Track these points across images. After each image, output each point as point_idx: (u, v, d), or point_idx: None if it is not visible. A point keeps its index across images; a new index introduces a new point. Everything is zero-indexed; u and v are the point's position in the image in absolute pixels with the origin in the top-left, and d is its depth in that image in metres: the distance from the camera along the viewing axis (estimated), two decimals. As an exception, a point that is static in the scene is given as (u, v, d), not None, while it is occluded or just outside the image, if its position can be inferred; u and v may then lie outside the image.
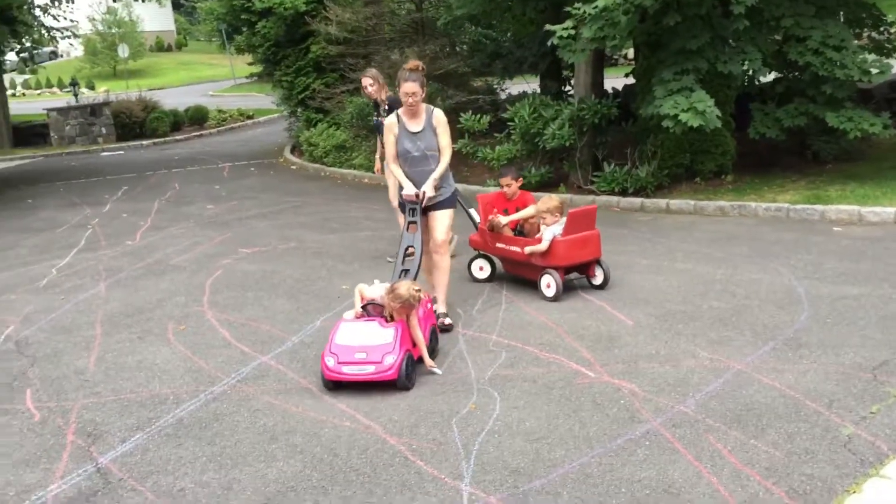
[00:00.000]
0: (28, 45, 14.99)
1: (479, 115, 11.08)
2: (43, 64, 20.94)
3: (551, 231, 6.35)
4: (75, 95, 21.74)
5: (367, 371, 4.82)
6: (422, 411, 4.55)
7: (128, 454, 4.26)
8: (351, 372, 4.82)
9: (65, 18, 17.35)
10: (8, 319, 6.67)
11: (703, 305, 6.01)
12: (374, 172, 8.15)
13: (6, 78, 21.04)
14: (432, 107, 5.89)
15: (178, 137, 21.18)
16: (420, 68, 5.74)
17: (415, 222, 5.76)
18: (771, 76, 10.88)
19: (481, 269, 7.07)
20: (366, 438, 4.27)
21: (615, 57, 24.08)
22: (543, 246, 6.29)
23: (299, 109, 15.95)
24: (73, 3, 19.28)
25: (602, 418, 4.33)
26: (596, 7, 8.18)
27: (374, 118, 7.97)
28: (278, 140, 18.47)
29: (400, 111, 5.84)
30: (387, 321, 5.05)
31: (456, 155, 12.09)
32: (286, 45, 15.45)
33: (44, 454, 4.32)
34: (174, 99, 22.01)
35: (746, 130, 10.00)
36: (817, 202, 8.66)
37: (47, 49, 19.65)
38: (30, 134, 20.81)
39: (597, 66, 10.86)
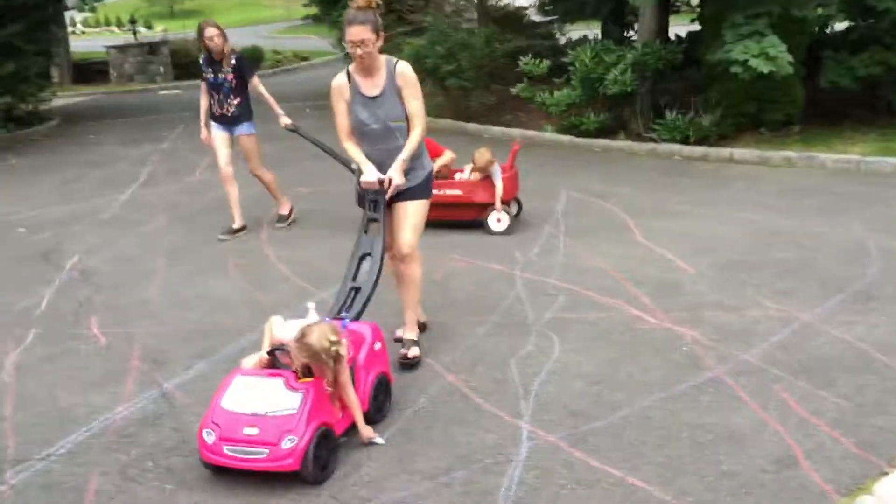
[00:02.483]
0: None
1: (538, 60, 10.86)
2: (102, 2, 21.04)
3: (498, 173, 6.78)
4: (134, 34, 21.89)
5: (256, 456, 3.28)
6: (479, 351, 4.55)
7: (191, 381, 4.34)
8: (234, 455, 3.29)
9: (125, -45, 17.45)
10: (73, 249, 6.81)
11: (769, 256, 5.87)
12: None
13: (66, 16, 21.20)
14: (395, 59, 4.29)
15: (233, 78, 21.22)
16: (374, 3, 4.12)
17: (376, 220, 4.29)
18: (842, 25, 10.45)
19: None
20: (426, 375, 4.29)
21: (677, 4, 23.37)
22: (500, 185, 6.71)
23: (355, 51, 15.83)
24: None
25: (663, 364, 4.27)
26: (667, -54, 7.88)
27: (211, 76, 6.79)
28: (333, 82, 18.40)
29: (350, 68, 4.29)
30: (297, 378, 3.45)
31: (513, 100, 12.07)
32: (343, -16, 15.29)
33: (110, 377, 4.43)
34: (230, 39, 22.02)
35: (815, 80, 9.64)
36: (890, 155, 8.35)
37: (107, -13, 19.78)
38: (90, 71, 21.04)
39: (662, 10, 10.53)
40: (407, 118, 4.28)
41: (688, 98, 9.97)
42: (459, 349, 4.57)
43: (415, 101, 4.28)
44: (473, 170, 6.85)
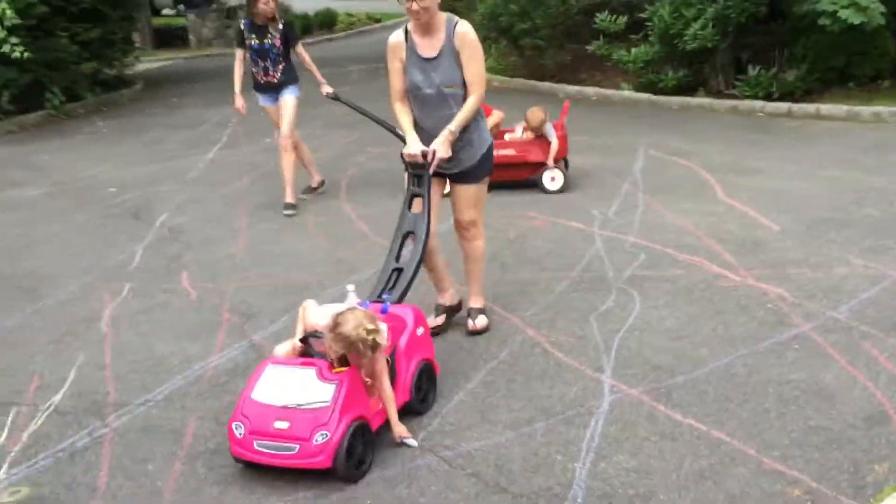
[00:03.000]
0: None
1: (614, 16, 10.65)
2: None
3: (552, 131, 6.70)
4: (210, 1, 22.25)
5: (286, 452, 3.09)
6: (559, 307, 4.56)
7: (277, 333, 4.48)
8: (264, 450, 3.11)
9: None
10: (161, 208, 7.05)
11: (857, 213, 5.70)
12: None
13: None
14: (456, 18, 3.97)
15: (307, 41, 21.28)
16: None
17: (420, 195, 3.96)
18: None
19: None
20: (506, 329, 4.33)
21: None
22: (556, 143, 6.65)
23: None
24: None
25: (747, 320, 4.22)
26: None
27: (256, 42, 6.52)
28: (406, 43, 18.41)
29: (409, 25, 4.00)
30: (331, 368, 3.23)
31: (589, 58, 11.87)
32: (417, -56, 15.20)
33: (202, 329, 4.61)
34: (303, 3, 22.13)
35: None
36: None
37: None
38: (170, 36, 21.51)
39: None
40: (464, 84, 3.95)
41: (771, 52, 9.65)
42: (538, 305, 4.60)
43: (474, 66, 3.92)
44: (526, 129, 6.78)
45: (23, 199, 7.71)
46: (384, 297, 3.72)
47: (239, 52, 6.74)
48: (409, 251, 3.90)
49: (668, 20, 9.86)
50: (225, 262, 5.66)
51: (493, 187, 5.95)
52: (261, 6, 6.45)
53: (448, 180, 4.19)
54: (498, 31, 12.51)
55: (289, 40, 6.64)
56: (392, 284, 3.81)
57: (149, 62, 17.86)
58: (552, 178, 6.72)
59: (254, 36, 6.57)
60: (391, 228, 5.94)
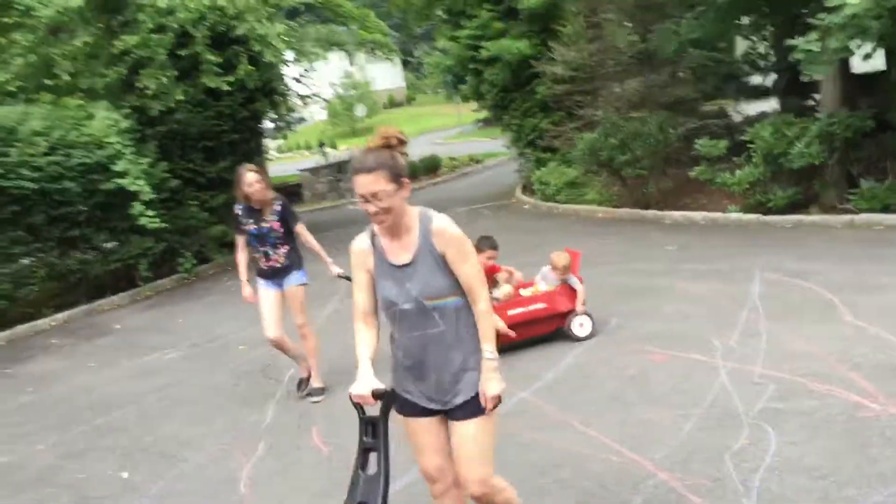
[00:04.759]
0: (284, 113, 16.67)
1: (714, 140, 10.75)
2: (293, 130, 23.03)
3: (574, 279, 6.70)
4: (324, 155, 23.71)
5: None
6: (690, 447, 4.46)
7: (405, 488, 4.54)
8: None
9: (313, 85, 19.15)
10: (288, 363, 7.33)
11: None
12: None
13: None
14: (430, 212, 3.17)
15: (415, 187, 22.36)
16: (393, 140, 3.11)
17: (374, 449, 3.11)
18: None
19: None
20: (635, 473, 4.26)
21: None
22: (581, 287, 6.65)
23: (529, 150, 16.29)
24: (317, 71, 21.17)
25: (894, 454, 4.01)
26: (844, 15, 7.71)
27: (253, 227, 6.09)
28: (508, 181, 18.93)
29: (376, 228, 3.20)
30: None
31: (691, 183, 11.92)
32: (513, 88, 15.89)
33: (335, 487, 4.70)
34: (410, 150, 23.38)
35: None
36: None
37: (297, 115, 21.57)
38: (285, 193, 22.74)
39: (845, 77, 10.17)
40: (457, 290, 3.14)
41: (883, 163, 9.48)
42: (668, 446, 4.51)
43: (467, 267, 3.12)
44: (554, 269, 6.69)
45: (161, 363, 8.20)
46: None
47: (239, 240, 6.27)
48: None
49: (771, 140, 9.88)
50: (350, 416, 5.80)
51: (515, 346, 5.91)
52: (245, 189, 5.98)
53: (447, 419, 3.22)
54: (598, 165, 12.80)
55: (288, 222, 6.12)
56: None
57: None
58: (581, 325, 6.60)
59: (251, 220, 6.09)
60: (511, 371, 6.02)
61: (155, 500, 4.95)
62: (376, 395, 3.05)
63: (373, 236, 3.22)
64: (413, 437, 3.29)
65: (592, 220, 12.68)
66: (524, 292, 6.68)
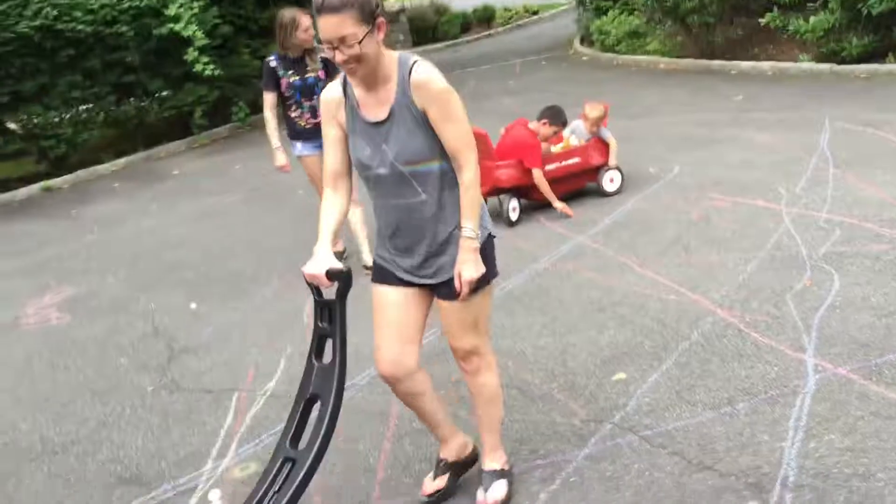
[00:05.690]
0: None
1: (790, -16, 10.13)
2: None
3: (606, 132, 6.49)
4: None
5: None
6: (751, 287, 4.44)
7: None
8: None
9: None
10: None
11: None
12: None
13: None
14: (412, 58, 2.65)
15: (467, 38, 21.76)
16: None
17: (330, 336, 2.75)
18: None
19: (514, 209, 6.18)
20: (694, 311, 4.27)
21: None
22: (614, 141, 6.46)
23: (588, -1, 15.62)
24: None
25: (964, 295, 3.95)
26: None
27: (296, 79, 5.43)
28: (566, 33, 18.29)
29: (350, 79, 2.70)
30: None
31: (762, 31, 11.37)
32: (574, -69, 15.10)
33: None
34: (462, 1, 22.54)
35: None
36: None
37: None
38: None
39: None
40: (440, 154, 2.67)
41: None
42: (729, 285, 4.49)
43: (452, 126, 2.63)
44: (586, 121, 6.45)
45: (221, 205, 8.36)
46: None
47: (269, 98, 5.48)
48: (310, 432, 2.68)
49: (850, -17, 9.28)
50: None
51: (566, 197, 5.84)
52: (300, 35, 5.34)
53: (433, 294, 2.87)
54: (663, 13, 12.22)
55: (330, 71, 5.41)
56: (277, 487, 2.57)
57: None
58: (611, 180, 6.44)
59: (291, 72, 5.44)
60: (569, 218, 5.98)
61: (224, 329, 5.15)
62: (331, 275, 2.64)
63: (345, 84, 2.72)
64: (376, 309, 2.88)
65: (654, 72, 12.25)
66: (555, 148, 6.44)
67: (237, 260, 6.47)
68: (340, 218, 2.81)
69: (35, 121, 10.72)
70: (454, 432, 3.08)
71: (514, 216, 6.14)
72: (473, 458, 3.14)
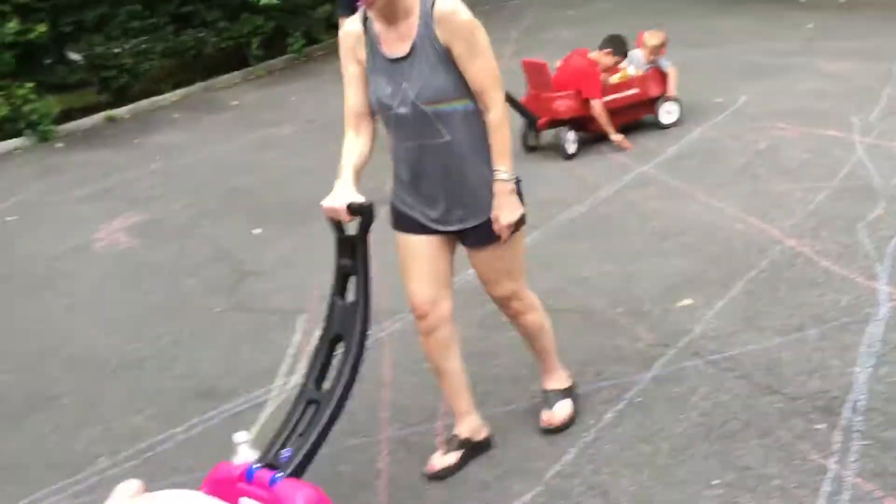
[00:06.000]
0: None
1: None
2: None
3: (665, 61, 6.25)
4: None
5: None
6: (821, 216, 4.36)
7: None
8: None
9: None
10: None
11: None
12: None
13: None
14: None
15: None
16: None
17: (354, 273, 2.57)
18: None
19: (573, 141, 6.03)
20: (763, 240, 4.21)
21: None
22: (674, 71, 6.20)
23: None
24: None
25: None
26: None
27: None
28: (626, -38, 17.73)
29: (370, 12, 2.56)
30: None
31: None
32: None
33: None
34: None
35: None
36: None
37: None
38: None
39: None
40: (465, 93, 2.53)
41: None
42: (798, 215, 4.42)
43: (478, 62, 2.49)
44: (644, 48, 6.23)
45: (279, 136, 8.41)
46: (282, 454, 2.31)
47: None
48: (335, 372, 2.49)
49: None
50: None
51: (627, 127, 5.78)
52: None
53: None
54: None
55: None
56: (300, 431, 2.40)
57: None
58: (668, 112, 6.25)
59: None
60: (633, 148, 5.87)
61: (287, 253, 5.24)
62: (353, 209, 2.50)
63: (365, 18, 2.57)
64: (403, 258, 2.79)
65: (721, 0, 11.84)
66: (613, 79, 6.16)
67: (296, 188, 6.52)
68: (363, 159, 2.67)
69: (96, 51, 10.84)
70: (471, 408, 2.92)
71: (572, 149, 6.04)
72: (486, 444, 2.94)
